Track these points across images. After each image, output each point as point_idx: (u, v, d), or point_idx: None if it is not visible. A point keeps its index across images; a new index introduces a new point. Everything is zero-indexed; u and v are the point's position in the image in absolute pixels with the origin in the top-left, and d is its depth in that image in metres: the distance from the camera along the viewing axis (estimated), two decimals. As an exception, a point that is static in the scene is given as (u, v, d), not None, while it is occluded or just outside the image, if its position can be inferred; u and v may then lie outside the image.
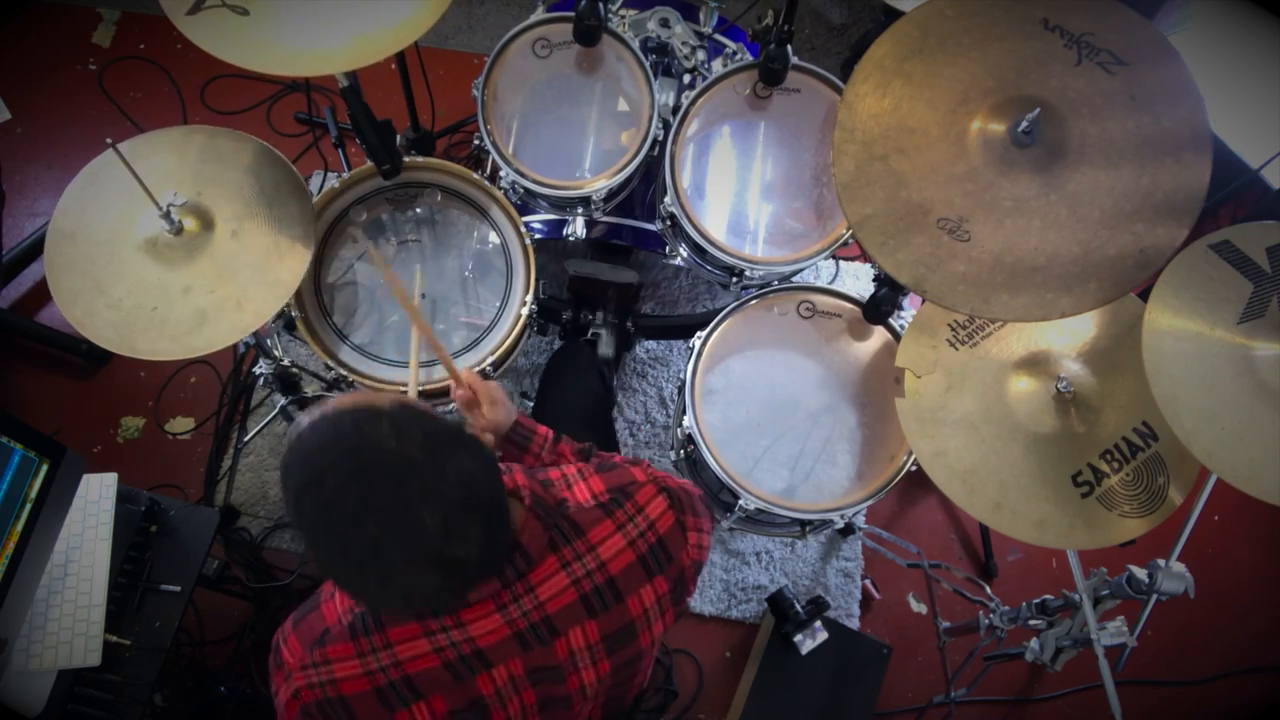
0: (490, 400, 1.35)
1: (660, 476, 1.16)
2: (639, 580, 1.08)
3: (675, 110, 1.88)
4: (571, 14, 1.82)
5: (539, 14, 1.91)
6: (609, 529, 1.07)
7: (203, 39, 1.40)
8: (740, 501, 1.73)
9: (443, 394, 1.77)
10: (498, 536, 0.95)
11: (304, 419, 0.89)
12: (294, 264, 1.54)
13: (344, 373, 1.73)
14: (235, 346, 1.58)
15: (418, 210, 1.86)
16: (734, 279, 1.89)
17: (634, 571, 1.07)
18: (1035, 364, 1.55)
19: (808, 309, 1.87)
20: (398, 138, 1.94)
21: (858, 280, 2.62)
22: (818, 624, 2.07)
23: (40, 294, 2.51)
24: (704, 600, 2.26)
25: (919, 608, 2.33)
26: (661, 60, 2.02)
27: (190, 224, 1.53)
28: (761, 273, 1.86)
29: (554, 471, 1.15)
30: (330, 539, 0.87)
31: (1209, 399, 1.28)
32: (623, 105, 1.92)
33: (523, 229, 1.83)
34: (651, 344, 2.50)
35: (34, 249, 2.50)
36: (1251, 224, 1.35)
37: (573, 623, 1.05)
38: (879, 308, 1.78)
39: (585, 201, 1.88)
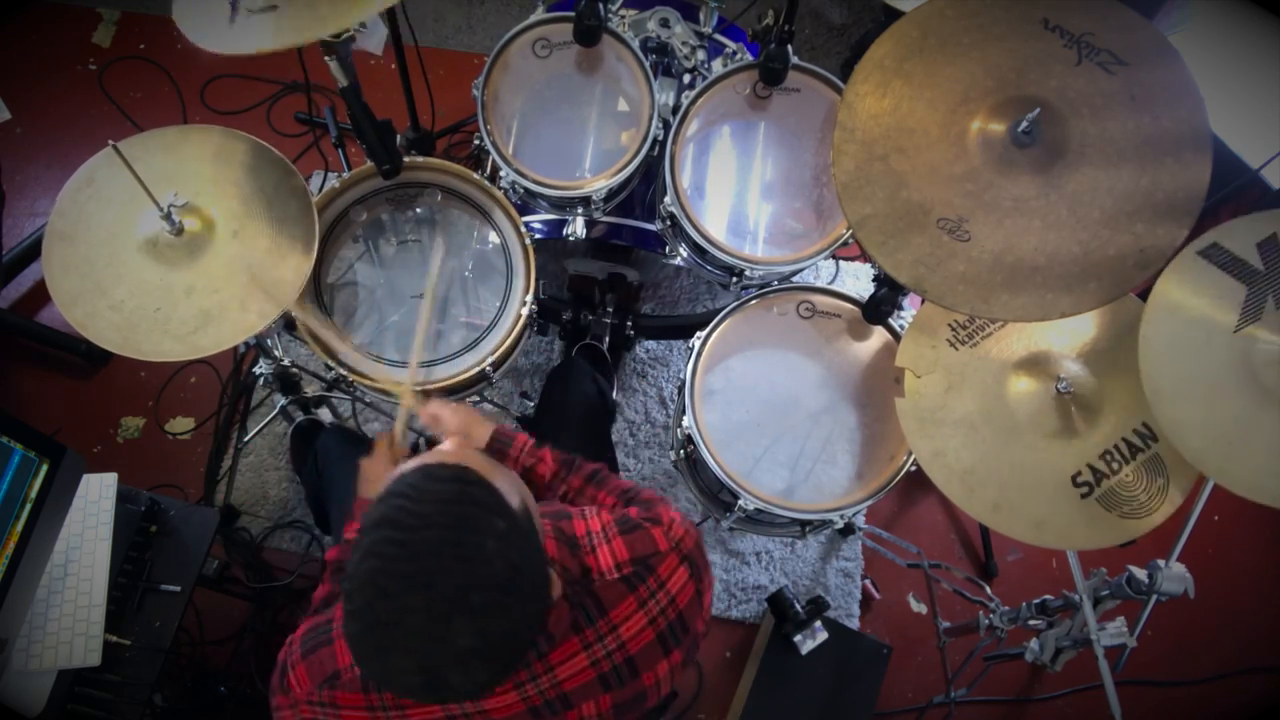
0: (461, 428, 1.34)
1: (678, 536, 1.12)
2: (656, 657, 1.08)
3: (675, 110, 1.88)
4: (571, 14, 1.82)
5: (539, 14, 1.91)
6: (631, 606, 1.06)
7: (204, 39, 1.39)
8: (740, 502, 1.72)
9: (445, 394, 1.77)
10: (520, 634, 0.89)
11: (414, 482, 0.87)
12: (297, 264, 1.54)
13: (344, 373, 1.73)
14: (235, 346, 1.58)
15: (418, 210, 1.86)
16: (734, 279, 1.89)
17: (653, 649, 1.07)
18: (1035, 364, 1.54)
19: (807, 309, 1.87)
20: (398, 138, 1.94)
21: (858, 280, 2.63)
22: (818, 624, 2.07)
23: (40, 294, 2.51)
24: (704, 600, 2.26)
25: (919, 608, 2.33)
26: (661, 60, 2.02)
27: (191, 224, 1.53)
28: (761, 273, 1.86)
29: (578, 523, 1.12)
30: (368, 595, 0.83)
31: (1210, 411, 1.26)
32: (623, 105, 1.92)
33: (523, 229, 1.82)
34: (651, 344, 2.50)
35: (34, 249, 2.50)
36: (1239, 220, 1.31)
37: (587, 698, 1.05)
38: (879, 308, 1.78)
39: (585, 201, 1.88)
